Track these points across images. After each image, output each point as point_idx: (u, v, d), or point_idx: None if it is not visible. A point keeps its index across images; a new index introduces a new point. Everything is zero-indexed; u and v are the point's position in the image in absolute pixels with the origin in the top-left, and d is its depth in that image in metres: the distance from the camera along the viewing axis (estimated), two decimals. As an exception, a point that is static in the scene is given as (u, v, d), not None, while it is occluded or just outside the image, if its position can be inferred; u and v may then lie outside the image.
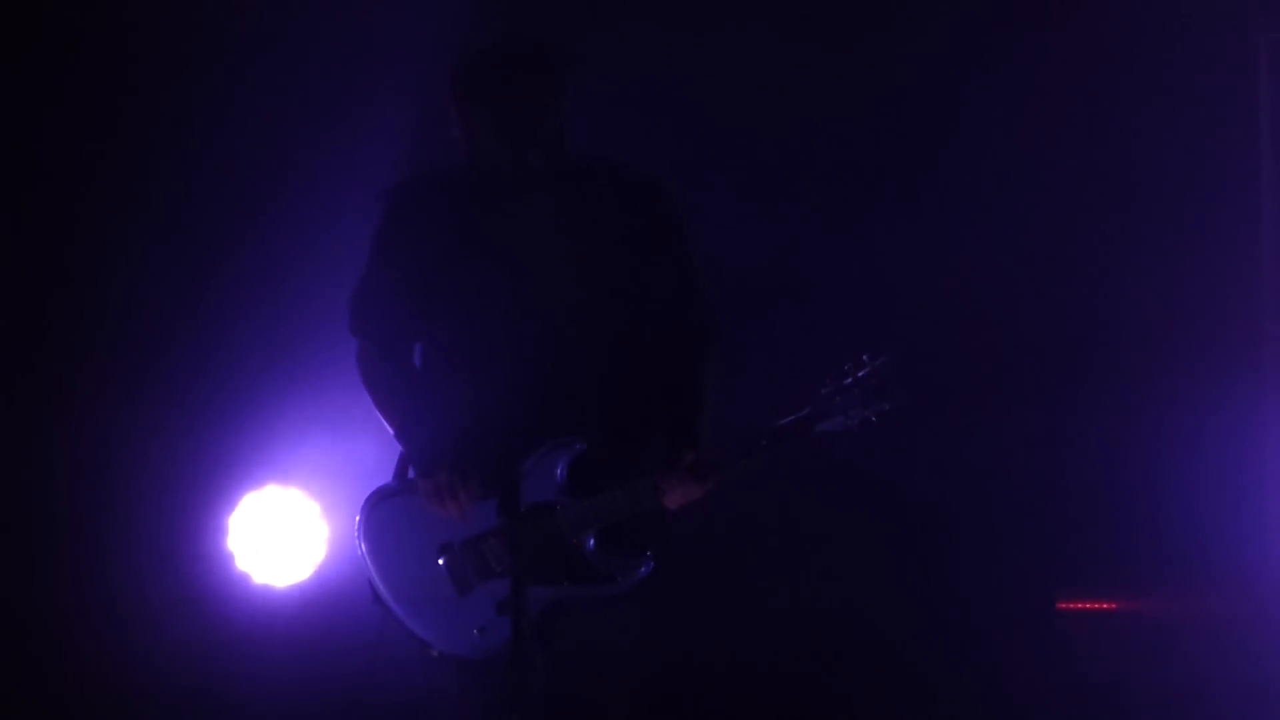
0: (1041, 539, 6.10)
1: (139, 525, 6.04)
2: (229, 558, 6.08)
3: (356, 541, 4.57)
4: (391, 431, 4.59)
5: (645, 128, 5.81)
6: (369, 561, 4.55)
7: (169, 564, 6.06)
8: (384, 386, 4.60)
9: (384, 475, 4.74)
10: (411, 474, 4.58)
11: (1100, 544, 6.10)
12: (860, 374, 4.31)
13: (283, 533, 6.06)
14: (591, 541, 4.41)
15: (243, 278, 6.05)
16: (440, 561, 4.47)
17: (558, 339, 4.46)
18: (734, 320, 4.66)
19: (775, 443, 4.35)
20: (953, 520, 6.11)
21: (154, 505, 6.05)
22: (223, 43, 6.02)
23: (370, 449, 5.16)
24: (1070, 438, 6.11)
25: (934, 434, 6.07)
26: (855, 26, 6.09)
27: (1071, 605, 6.16)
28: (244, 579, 6.09)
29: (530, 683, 4.19)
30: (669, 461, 4.39)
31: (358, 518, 4.57)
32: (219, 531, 6.09)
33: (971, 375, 6.14)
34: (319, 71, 5.99)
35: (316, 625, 6.00)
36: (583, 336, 4.47)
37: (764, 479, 6.04)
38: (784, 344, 6.06)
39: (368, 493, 4.61)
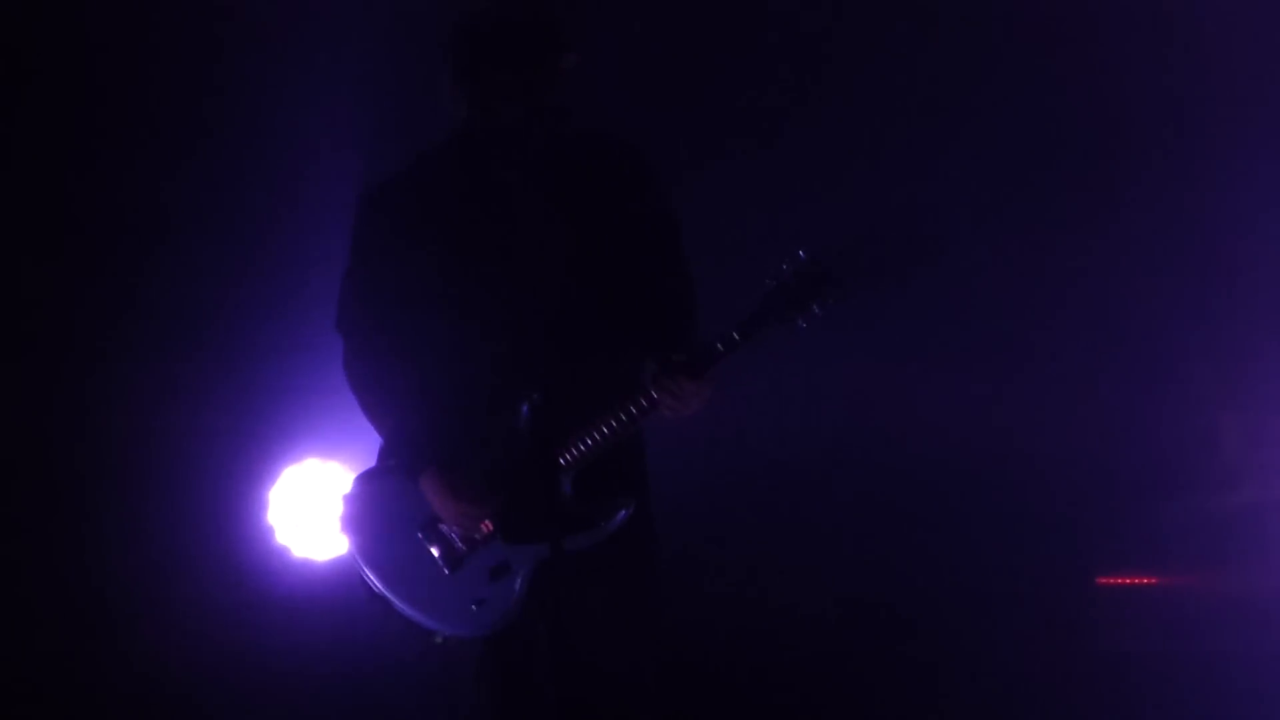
0: (1081, 514, 6.08)
1: (180, 498, 6.06)
2: (269, 531, 6.11)
3: (343, 537, 4.51)
4: (379, 434, 4.51)
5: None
6: (357, 556, 4.48)
7: (210, 537, 6.08)
8: (371, 388, 4.50)
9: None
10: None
11: (1140, 519, 6.07)
12: (796, 267, 4.31)
13: (323, 506, 6.08)
14: (568, 487, 4.37)
15: (283, 251, 6.06)
16: (420, 537, 4.45)
17: (546, 310, 4.40)
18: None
19: (746, 335, 4.31)
20: (993, 496, 6.10)
21: (195, 479, 6.07)
22: (241, 42, 6.02)
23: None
24: (1110, 413, 6.08)
25: (974, 410, 6.07)
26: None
27: (1111, 580, 6.15)
28: (284, 552, 6.12)
29: (535, 654, 4.21)
30: (659, 366, 4.32)
31: (339, 514, 4.51)
32: (259, 505, 6.11)
33: (1011, 352, 6.12)
34: (337, 56, 5.98)
35: (356, 599, 6.00)
36: (572, 304, 4.40)
37: (806, 452, 6.08)
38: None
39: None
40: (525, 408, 4.30)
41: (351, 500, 4.50)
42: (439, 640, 4.42)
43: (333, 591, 5.99)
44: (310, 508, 6.10)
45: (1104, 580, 6.15)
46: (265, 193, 6.09)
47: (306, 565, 6.10)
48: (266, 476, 6.13)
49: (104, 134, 6.02)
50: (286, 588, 6.09)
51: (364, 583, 4.48)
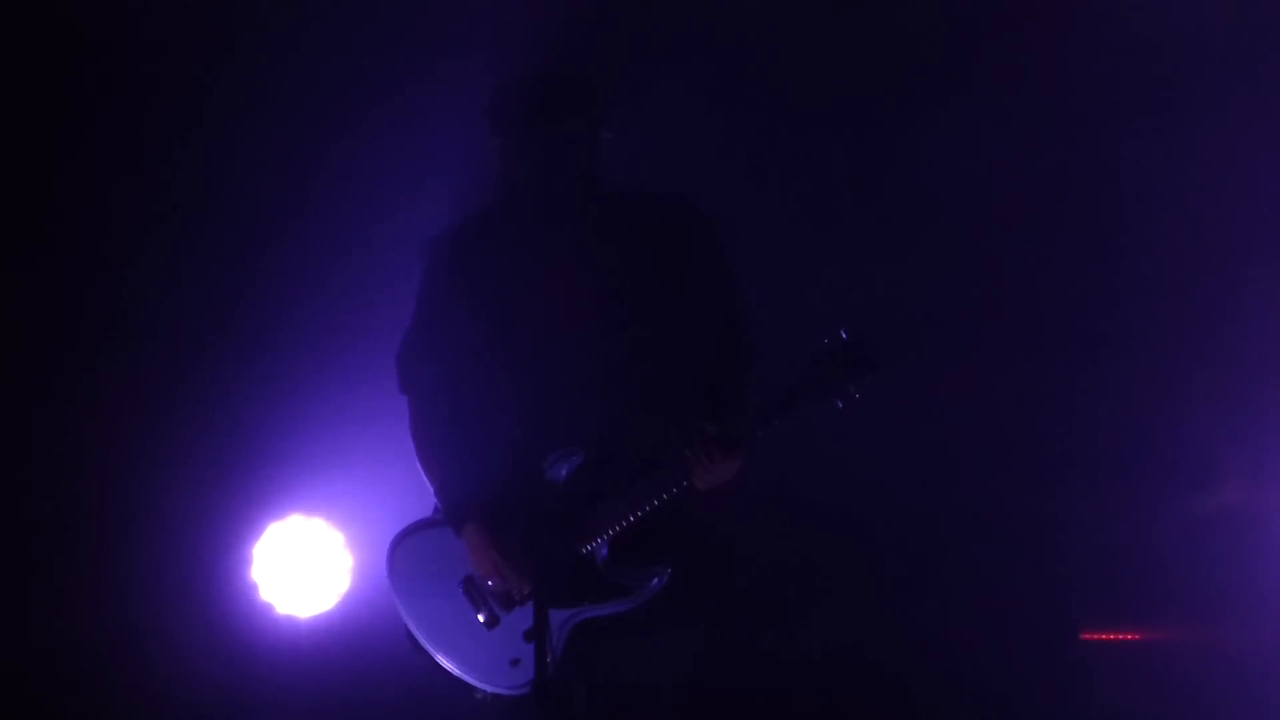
0: (1065, 569, 6.08)
1: (163, 554, 6.04)
2: (253, 588, 6.08)
3: (389, 589, 4.58)
4: (434, 491, 4.59)
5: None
6: (401, 608, 4.55)
7: (193, 593, 6.06)
8: (427, 444, 4.59)
9: (407, 505, 4.75)
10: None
11: (1124, 575, 6.08)
12: (836, 347, 4.28)
13: (306, 563, 6.06)
14: (605, 551, 4.37)
15: (270, 307, 6.05)
16: (461, 592, 4.46)
17: (591, 370, 4.45)
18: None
19: (780, 415, 4.28)
20: (976, 551, 6.10)
21: (178, 535, 6.05)
22: (280, 70, 6.03)
23: (395, 479, 5.16)
24: (1095, 468, 6.09)
25: (959, 465, 6.07)
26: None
27: (1095, 636, 6.16)
28: (268, 609, 6.08)
29: (571, 715, 4.20)
30: (692, 436, 4.30)
31: (385, 566, 4.59)
32: (243, 561, 6.08)
33: (996, 404, 6.13)
34: (375, 98, 5.98)
35: (340, 656, 6.00)
36: (617, 364, 4.45)
37: (791, 511, 6.06)
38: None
39: (393, 533, 4.63)
40: (564, 470, 4.34)
41: (397, 551, 4.57)
42: (479, 696, 4.46)
43: (316, 649, 5.98)
44: (294, 564, 6.07)
45: (1088, 636, 6.16)
46: (258, 244, 6.08)
47: (290, 622, 6.06)
48: (250, 532, 6.09)
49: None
50: (270, 645, 6.05)
51: (409, 635, 4.54)
